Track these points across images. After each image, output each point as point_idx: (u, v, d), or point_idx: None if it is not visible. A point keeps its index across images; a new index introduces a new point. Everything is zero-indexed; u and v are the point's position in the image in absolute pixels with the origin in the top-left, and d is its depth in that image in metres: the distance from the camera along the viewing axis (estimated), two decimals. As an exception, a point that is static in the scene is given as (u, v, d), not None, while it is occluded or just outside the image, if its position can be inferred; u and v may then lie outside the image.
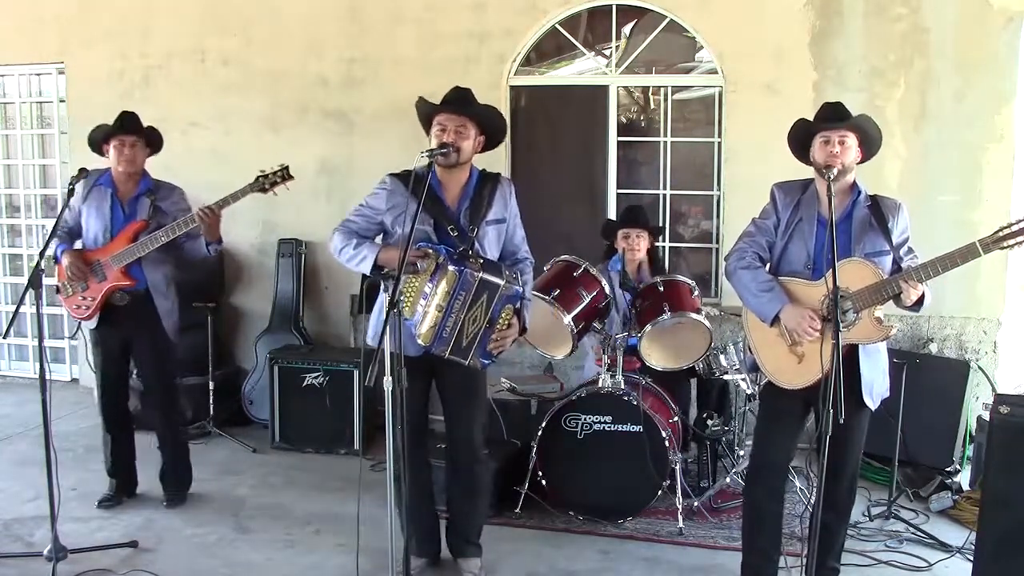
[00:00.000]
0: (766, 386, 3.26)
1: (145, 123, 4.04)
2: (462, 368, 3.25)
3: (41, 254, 3.43)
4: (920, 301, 3.00)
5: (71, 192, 3.65)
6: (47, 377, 3.34)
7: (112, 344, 4.10)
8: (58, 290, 4.02)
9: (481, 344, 3.17)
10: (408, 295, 3.19)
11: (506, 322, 3.19)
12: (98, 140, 4.01)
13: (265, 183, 3.83)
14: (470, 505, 3.54)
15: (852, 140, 3.08)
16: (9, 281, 6.67)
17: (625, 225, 4.55)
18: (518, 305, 3.24)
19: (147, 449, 4.37)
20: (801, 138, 3.19)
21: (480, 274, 3.12)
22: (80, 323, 4.10)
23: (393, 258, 3.08)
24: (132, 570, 3.53)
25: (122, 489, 4.28)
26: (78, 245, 4.09)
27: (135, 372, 4.33)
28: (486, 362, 3.23)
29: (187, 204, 4.10)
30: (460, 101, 3.25)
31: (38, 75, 6.41)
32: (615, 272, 4.27)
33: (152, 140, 4.08)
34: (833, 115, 3.13)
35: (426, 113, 3.29)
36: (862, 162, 3.16)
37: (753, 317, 3.20)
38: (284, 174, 3.84)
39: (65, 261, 3.94)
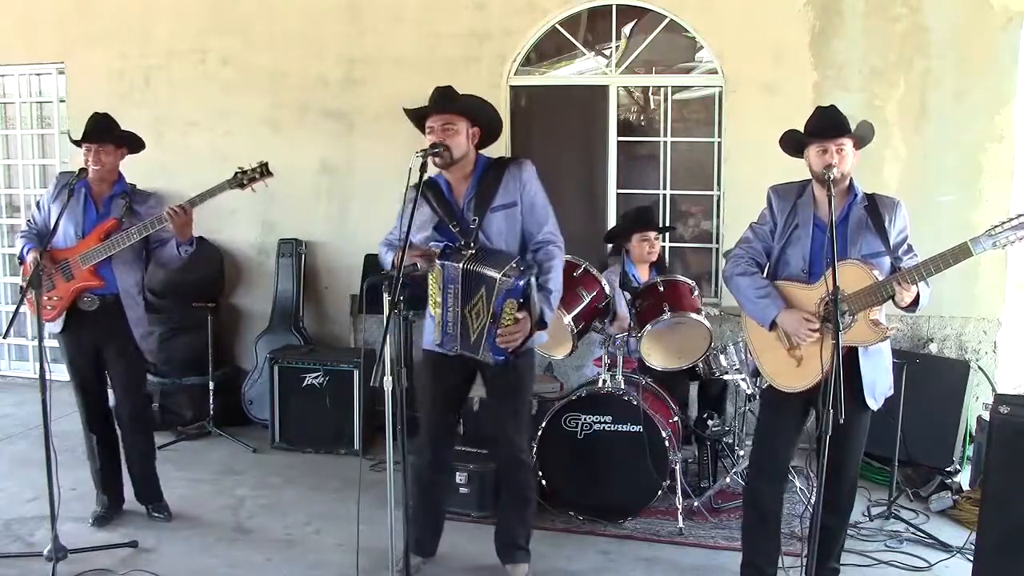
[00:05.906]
0: (767, 388, 3.26)
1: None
2: (504, 368, 3.24)
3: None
4: (916, 302, 3.00)
5: (71, 193, 3.62)
6: (47, 377, 3.33)
7: (80, 349, 3.90)
8: (22, 289, 3.62)
9: (489, 339, 3.13)
10: (432, 298, 3.22)
11: (510, 317, 3.11)
12: (77, 144, 3.90)
13: (243, 179, 3.68)
14: (517, 511, 3.52)
15: (848, 147, 3.06)
16: (9, 281, 6.67)
17: (644, 228, 4.55)
18: (521, 300, 3.10)
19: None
20: (795, 144, 3.17)
21: (463, 265, 3.09)
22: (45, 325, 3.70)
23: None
24: (132, 570, 3.54)
25: (112, 504, 4.09)
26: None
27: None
28: (499, 357, 3.15)
29: (162, 210, 3.85)
30: (442, 99, 3.24)
31: (38, 75, 6.41)
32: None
33: (125, 143, 3.91)
34: (829, 127, 3.06)
35: (417, 119, 3.30)
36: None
37: (751, 322, 3.21)
38: (263, 170, 3.68)
39: (29, 259, 3.71)
